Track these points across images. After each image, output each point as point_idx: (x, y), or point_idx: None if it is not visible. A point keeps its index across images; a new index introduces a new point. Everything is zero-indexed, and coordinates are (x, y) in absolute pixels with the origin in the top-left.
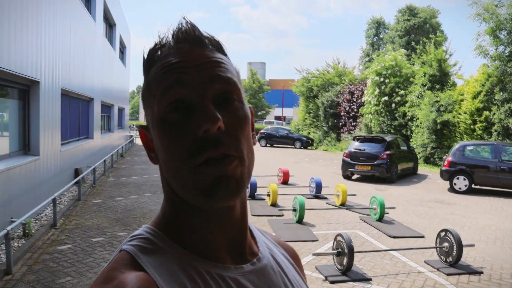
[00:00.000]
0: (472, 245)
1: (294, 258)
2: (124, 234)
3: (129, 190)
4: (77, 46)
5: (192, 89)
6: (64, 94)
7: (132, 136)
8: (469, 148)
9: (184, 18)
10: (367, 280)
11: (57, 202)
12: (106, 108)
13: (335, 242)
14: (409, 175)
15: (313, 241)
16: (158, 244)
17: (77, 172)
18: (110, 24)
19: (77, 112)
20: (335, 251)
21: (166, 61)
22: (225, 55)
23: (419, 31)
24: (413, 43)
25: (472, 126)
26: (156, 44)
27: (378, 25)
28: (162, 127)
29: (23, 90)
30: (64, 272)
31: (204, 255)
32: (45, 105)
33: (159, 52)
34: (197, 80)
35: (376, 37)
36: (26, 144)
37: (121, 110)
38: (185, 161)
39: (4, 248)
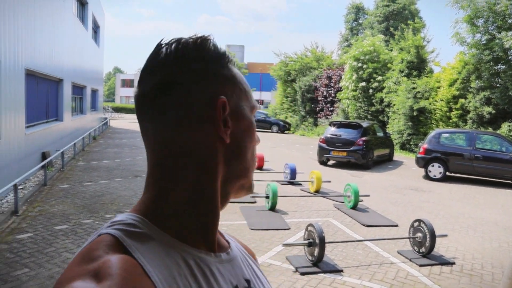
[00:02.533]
0: (445, 236)
1: (251, 254)
2: (90, 221)
3: (99, 175)
4: (43, 25)
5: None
6: (30, 74)
7: (106, 118)
8: (444, 135)
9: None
10: (339, 271)
11: (20, 187)
12: (78, 89)
13: (306, 232)
14: (385, 162)
15: (285, 229)
16: (143, 229)
17: (44, 156)
18: (81, 2)
19: (45, 94)
20: (306, 242)
21: (245, 82)
22: None
23: (398, 17)
24: (391, 29)
25: (448, 114)
26: (227, 53)
27: (358, 10)
28: (253, 121)
29: None
30: (21, 263)
31: (188, 242)
32: (6, 86)
33: (231, 63)
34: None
35: (355, 22)
36: None
37: (94, 92)
38: (252, 162)
39: None
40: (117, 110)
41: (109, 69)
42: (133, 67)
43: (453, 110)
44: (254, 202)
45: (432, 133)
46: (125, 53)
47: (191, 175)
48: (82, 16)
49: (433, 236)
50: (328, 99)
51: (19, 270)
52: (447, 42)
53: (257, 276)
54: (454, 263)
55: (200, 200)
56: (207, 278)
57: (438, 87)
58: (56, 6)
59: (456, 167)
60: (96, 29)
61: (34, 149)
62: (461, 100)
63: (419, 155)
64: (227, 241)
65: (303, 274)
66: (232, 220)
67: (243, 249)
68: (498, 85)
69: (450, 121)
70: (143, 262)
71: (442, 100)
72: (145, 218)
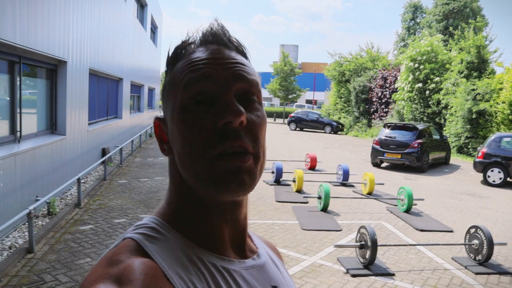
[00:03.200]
0: (504, 244)
1: (280, 256)
2: (146, 216)
3: (155, 171)
4: (106, 27)
5: (217, 83)
6: (92, 74)
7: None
8: (506, 139)
9: (216, 20)
10: (390, 275)
11: (82, 181)
12: (136, 88)
13: (359, 234)
14: (441, 165)
15: (336, 231)
16: (164, 233)
17: (104, 152)
18: (141, 4)
19: (106, 92)
20: (358, 244)
21: (195, 57)
22: (248, 60)
23: (458, 15)
24: (451, 28)
25: (510, 117)
26: (184, 41)
27: (415, 9)
28: (183, 116)
29: (50, 69)
30: (84, 253)
31: (209, 247)
32: (72, 85)
33: (187, 49)
34: (223, 76)
35: (413, 21)
36: (53, 123)
37: (151, 90)
38: (203, 151)
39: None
40: None
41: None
42: None
43: None
44: (307, 203)
45: (492, 137)
46: None
47: (171, 185)
48: (142, 17)
49: (491, 243)
50: (383, 100)
51: (82, 259)
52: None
53: (286, 282)
54: None
55: (193, 206)
56: (229, 286)
57: (500, 89)
58: (118, 7)
59: None
60: (154, 29)
61: (95, 145)
62: None
63: (477, 159)
64: (256, 245)
65: (354, 276)
66: (284, 220)
67: (271, 251)
68: None
69: None
70: (164, 267)
71: (504, 103)
72: (166, 222)
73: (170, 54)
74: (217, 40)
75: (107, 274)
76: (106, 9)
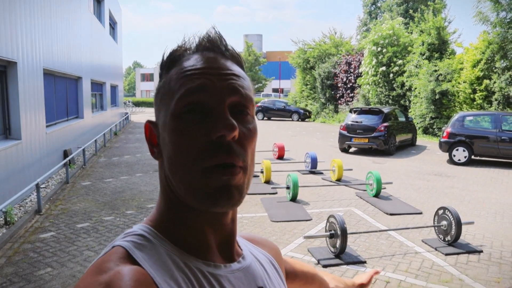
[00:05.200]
0: (472, 223)
1: (274, 252)
2: (111, 218)
3: (120, 171)
4: (59, 24)
5: (212, 95)
6: (48, 73)
7: (127, 113)
8: (468, 118)
9: (213, 28)
10: (362, 262)
11: (43, 186)
12: (97, 86)
13: (328, 224)
14: (408, 147)
15: (306, 220)
16: (152, 241)
17: (66, 154)
18: None
19: (64, 92)
20: (328, 233)
21: (191, 65)
22: (243, 69)
23: None
24: (411, 11)
25: (472, 96)
26: (180, 46)
27: None
28: (177, 124)
29: None
30: (44, 262)
31: (196, 253)
32: (25, 86)
33: (183, 55)
34: (218, 88)
35: (374, 5)
36: (6, 128)
37: (114, 87)
38: (195, 162)
39: None
40: (138, 104)
41: (129, 64)
42: (153, 61)
43: (477, 91)
44: (275, 193)
45: (455, 116)
46: (144, 47)
47: (161, 189)
48: (99, 12)
49: (459, 223)
50: (348, 85)
51: (42, 270)
52: (469, 22)
53: (270, 281)
54: (482, 251)
55: (180, 213)
56: None
57: (461, 69)
58: (72, 4)
59: (482, 150)
60: (113, 25)
61: (55, 147)
62: (486, 81)
63: (442, 139)
64: (240, 247)
65: (325, 266)
66: (252, 213)
67: (262, 250)
68: None
69: (475, 103)
70: (152, 273)
71: (465, 82)
72: (155, 229)
73: (165, 58)
74: (214, 48)
75: (96, 282)
76: (59, 5)
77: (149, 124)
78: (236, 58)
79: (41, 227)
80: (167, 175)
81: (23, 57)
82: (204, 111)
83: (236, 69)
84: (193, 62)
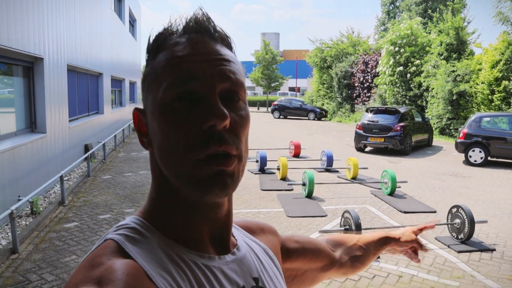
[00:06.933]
0: (485, 222)
1: (270, 239)
2: (131, 210)
3: (139, 165)
4: (82, 21)
5: (202, 83)
6: (71, 70)
7: None
8: (485, 119)
9: (201, 9)
10: None
11: (66, 179)
12: (117, 82)
13: (343, 219)
14: (424, 147)
15: (322, 216)
16: (145, 234)
17: (87, 148)
18: None
19: (86, 88)
20: (343, 228)
21: (179, 50)
22: (233, 52)
23: None
24: (429, 11)
25: (490, 97)
26: (166, 29)
27: None
28: (166, 114)
29: (26, 67)
30: (69, 250)
31: (189, 245)
32: (50, 82)
33: (169, 39)
34: (208, 75)
35: (392, 5)
36: (32, 122)
37: (132, 84)
38: (187, 152)
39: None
40: None
41: None
42: None
43: (496, 92)
44: (291, 190)
45: (472, 117)
46: None
47: (153, 180)
48: (119, 10)
49: (472, 222)
50: (365, 85)
51: (67, 257)
52: (489, 22)
53: (265, 271)
54: (494, 250)
55: (173, 204)
56: (211, 283)
57: (480, 70)
58: (94, 1)
59: (498, 151)
60: (133, 22)
61: (77, 141)
62: (504, 82)
63: (459, 140)
64: (234, 237)
65: None
66: (269, 208)
67: (255, 240)
68: None
69: (493, 104)
70: (145, 267)
71: (483, 83)
72: (148, 222)
73: (151, 42)
74: (201, 30)
75: (89, 277)
76: (82, 3)
77: (137, 112)
78: (225, 40)
79: (65, 217)
80: (159, 165)
81: (49, 53)
82: (194, 99)
83: (226, 52)
84: (181, 46)
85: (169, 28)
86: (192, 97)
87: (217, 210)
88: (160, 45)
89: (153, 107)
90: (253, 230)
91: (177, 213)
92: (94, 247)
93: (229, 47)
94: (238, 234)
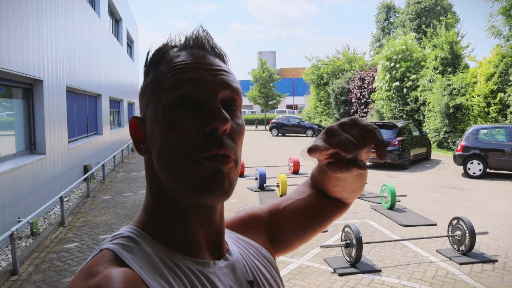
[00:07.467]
0: (486, 233)
1: (254, 222)
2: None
3: (139, 185)
4: (81, 43)
5: (204, 88)
6: (70, 91)
7: None
8: (482, 131)
9: (201, 27)
10: (377, 271)
11: (65, 199)
12: (115, 103)
13: (343, 234)
14: (422, 161)
15: (322, 232)
16: (140, 242)
17: (86, 169)
18: (116, 19)
19: (85, 109)
20: (343, 243)
21: (182, 60)
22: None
23: (430, 13)
24: (423, 26)
25: (486, 109)
26: (168, 43)
27: (388, 9)
28: (168, 117)
29: (26, 89)
30: (70, 271)
31: (184, 251)
32: (49, 104)
33: (171, 52)
34: (210, 82)
35: (387, 21)
36: (32, 143)
37: (130, 105)
38: (187, 152)
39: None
40: None
41: None
42: None
43: (492, 105)
44: None
45: (469, 130)
46: None
47: (148, 188)
48: (117, 32)
49: (473, 233)
50: (362, 101)
51: (68, 277)
52: (482, 35)
53: (261, 273)
54: (496, 261)
55: (168, 210)
56: None
57: (475, 83)
58: (92, 24)
59: (496, 163)
60: (130, 43)
61: (76, 162)
62: (500, 95)
63: (457, 153)
64: (226, 242)
65: (341, 275)
66: None
67: (246, 240)
68: None
69: (489, 116)
70: (142, 274)
71: (479, 96)
72: (142, 230)
73: (151, 55)
74: (202, 46)
75: (86, 286)
76: (81, 26)
77: (135, 120)
78: (222, 57)
79: (65, 238)
80: (156, 170)
81: (48, 75)
82: (196, 104)
83: (224, 66)
84: (183, 57)
85: (169, 43)
86: (194, 101)
87: (212, 213)
88: (161, 57)
89: (155, 111)
90: (239, 228)
91: (172, 218)
92: (90, 257)
93: (225, 64)
94: (228, 237)
